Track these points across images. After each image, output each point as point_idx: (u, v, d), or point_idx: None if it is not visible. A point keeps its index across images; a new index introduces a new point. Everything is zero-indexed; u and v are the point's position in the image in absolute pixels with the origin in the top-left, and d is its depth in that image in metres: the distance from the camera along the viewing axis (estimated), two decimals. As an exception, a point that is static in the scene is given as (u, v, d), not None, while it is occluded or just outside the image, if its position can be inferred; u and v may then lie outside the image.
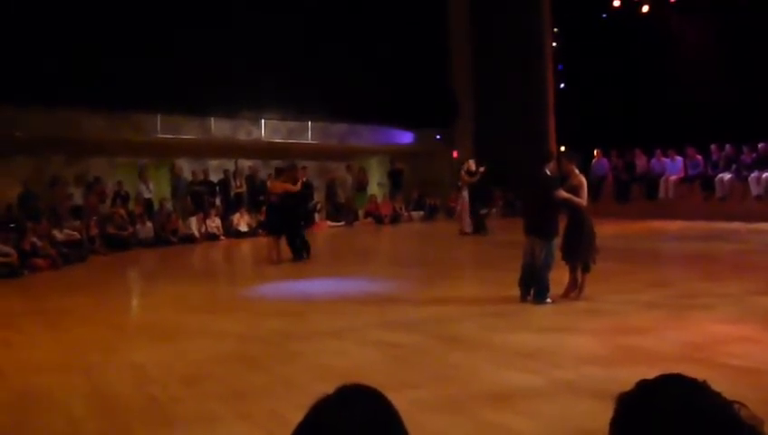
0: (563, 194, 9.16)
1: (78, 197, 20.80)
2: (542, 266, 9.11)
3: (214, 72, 21.31)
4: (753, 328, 7.23)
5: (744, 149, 19.51)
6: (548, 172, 9.43)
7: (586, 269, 9.37)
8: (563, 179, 9.48)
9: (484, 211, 19.60)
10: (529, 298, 9.22)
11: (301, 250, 15.09)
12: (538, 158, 9.81)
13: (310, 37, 23.42)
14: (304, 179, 18.08)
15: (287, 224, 15.08)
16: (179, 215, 21.05)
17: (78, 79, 19.29)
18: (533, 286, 9.21)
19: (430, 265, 14.63)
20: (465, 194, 19.21)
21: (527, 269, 9.26)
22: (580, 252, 9.27)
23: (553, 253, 9.21)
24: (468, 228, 19.07)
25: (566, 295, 9.35)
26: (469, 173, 19.12)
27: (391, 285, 11.72)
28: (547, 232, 9.14)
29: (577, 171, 9.52)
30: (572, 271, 9.48)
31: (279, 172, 16.06)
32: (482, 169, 19.15)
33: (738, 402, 1.36)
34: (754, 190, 18.85)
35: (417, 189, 26.88)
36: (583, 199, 9.30)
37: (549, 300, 9.13)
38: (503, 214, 24.41)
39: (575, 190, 9.27)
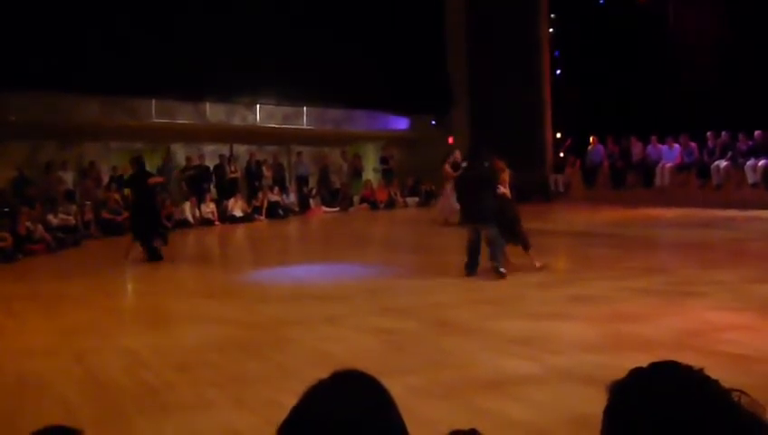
0: (502, 189, 10.39)
1: (71, 182, 20.69)
2: (494, 245, 10.09)
3: (209, 57, 21.18)
4: (748, 316, 7.24)
5: (740, 136, 19.51)
6: (486, 168, 10.50)
7: (526, 246, 10.66)
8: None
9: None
10: (473, 273, 10.26)
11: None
12: (477, 156, 11.00)
13: (305, 22, 23.28)
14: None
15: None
16: (170, 199, 20.94)
17: (73, 63, 19.15)
18: (491, 259, 10.11)
19: (425, 250, 14.62)
20: (449, 186, 18.75)
21: (473, 252, 10.31)
22: (512, 233, 10.55)
23: (497, 232, 10.14)
24: (453, 218, 18.74)
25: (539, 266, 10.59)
26: (454, 166, 18.53)
27: (386, 270, 11.73)
28: (489, 217, 10.09)
29: (504, 167, 10.80)
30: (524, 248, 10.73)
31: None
32: (464, 164, 18.56)
33: (738, 390, 1.34)
34: (750, 178, 18.87)
35: (413, 175, 26.83)
36: (507, 190, 10.59)
37: (503, 270, 10.03)
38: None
39: (503, 183, 10.62)
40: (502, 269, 10.05)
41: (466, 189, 10.64)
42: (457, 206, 18.48)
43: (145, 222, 13.94)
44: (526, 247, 10.60)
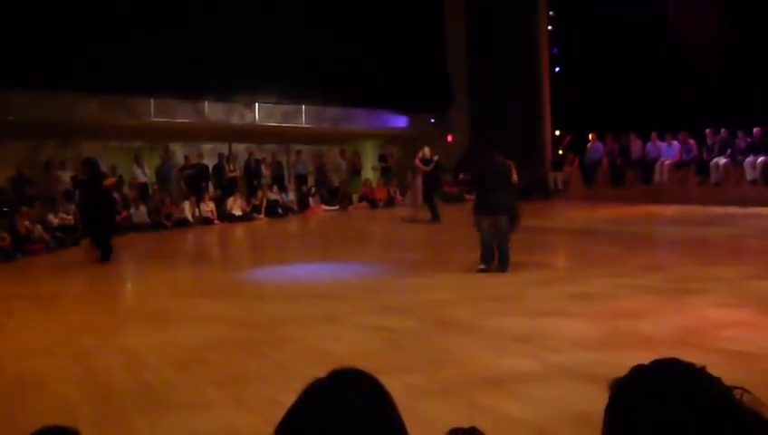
0: (515, 177, 10.88)
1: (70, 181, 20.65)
2: (507, 239, 10.50)
3: (208, 56, 21.16)
4: (748, 312, 7.24)
5: (739, 133, 19.50)
6: (504, 162, 10.88)
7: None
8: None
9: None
10: (491, 267, 10.47)
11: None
12: (491, 150, 11.32)
13: (304, 20, 23.27)
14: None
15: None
16: (170, 199, 20.95)
17: (71, 62, 19.12)
18: (500, 257, 10.47)
19: (424, 248, 14.62)
20: (419, 181, 19.21)
21: (490, 244, 10.52)
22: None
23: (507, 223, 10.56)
24: (408, 215, 19.07)
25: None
26: (424, 161, 18.98)
27: (385, 269, 11.72)
28: (504, 209, 10.52)
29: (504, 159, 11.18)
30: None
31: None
32: (436, 157, 19.03)
33: (741, 388, 1.33)
34: (749, 175, 18.86)
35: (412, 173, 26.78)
36: (516, 179, 11.11)
37: (509, 269, 10.39)
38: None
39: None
40: (508, 268, 10.35)
41: (488, 183, 10.81)
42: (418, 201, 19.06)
43: (98, 223, 13.99)
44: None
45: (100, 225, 13.98)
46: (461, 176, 19.61)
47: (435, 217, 18.56)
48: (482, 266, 10.46)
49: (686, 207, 18.67)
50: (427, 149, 19.16)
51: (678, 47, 22.19)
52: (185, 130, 23.31)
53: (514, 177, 10.84)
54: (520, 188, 11.92)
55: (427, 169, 18.81)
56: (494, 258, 10.54)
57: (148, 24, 20.29)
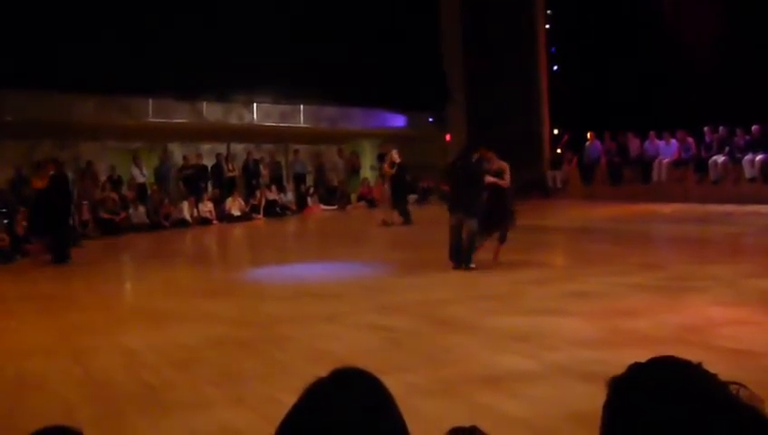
0: (491, 179, 10.76)
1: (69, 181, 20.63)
2: (470, 240, 10.54)
3: (206, 56, 21.15)
4: (747, 310, 7.25)
5: (738, 131, 19.50)
6: (474, 161, 10.87)
7: (503, 240, 10.98)
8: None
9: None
10: (463, 266, 10.57)
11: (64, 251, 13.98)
12: (465, 149, 11.53)
13: (302, 21, 23.25)
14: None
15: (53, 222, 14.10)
16: (168, 199, 20.96)
17: (69, 63, 19.11)
18: (464, 254, 10.55)
19: (422, 247, 14.60)
20: (387, 186, 19.11)
21: (457, 242, 10.63)
22: (501, 224, 10.95)
23: (477, 227, 10.57)
24: (390, 219, 18.73)
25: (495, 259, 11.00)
26: (392, 165, 18.89)
27: (384, 268, 11.73)
28: (472, 211, 10.48)
29: (496, 157, 11.11)
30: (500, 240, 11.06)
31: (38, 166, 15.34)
32: (398, 160, 18.83)
33: (737, 383, 1.34)
34: (748, 173, 18.87)
35: (410, 173, 26.74)
36: (506, 181, 10.95)
37: (473, 265, 10.50)
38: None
39: (498, 174, 10.94)
40: (472, 265, 10.50)
41: (455, 182, 10.97)
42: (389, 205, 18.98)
43: (59, 222, 14.08)
44: (502, 240, 10.95)
45: (62, 224, 14.14)
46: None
47: (406, 220, 18.42)
48: (452, 265, 10.66)
49: (685, 206, 18.68)
50: (394, 153, 19.05)
51: (676, 46, 22.16)
52: (183, 131, 23.30)
53: (488, 178, 10.81)
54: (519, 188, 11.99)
55: (391, 172, 18.74)
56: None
57: (146, 24, 20.27)
